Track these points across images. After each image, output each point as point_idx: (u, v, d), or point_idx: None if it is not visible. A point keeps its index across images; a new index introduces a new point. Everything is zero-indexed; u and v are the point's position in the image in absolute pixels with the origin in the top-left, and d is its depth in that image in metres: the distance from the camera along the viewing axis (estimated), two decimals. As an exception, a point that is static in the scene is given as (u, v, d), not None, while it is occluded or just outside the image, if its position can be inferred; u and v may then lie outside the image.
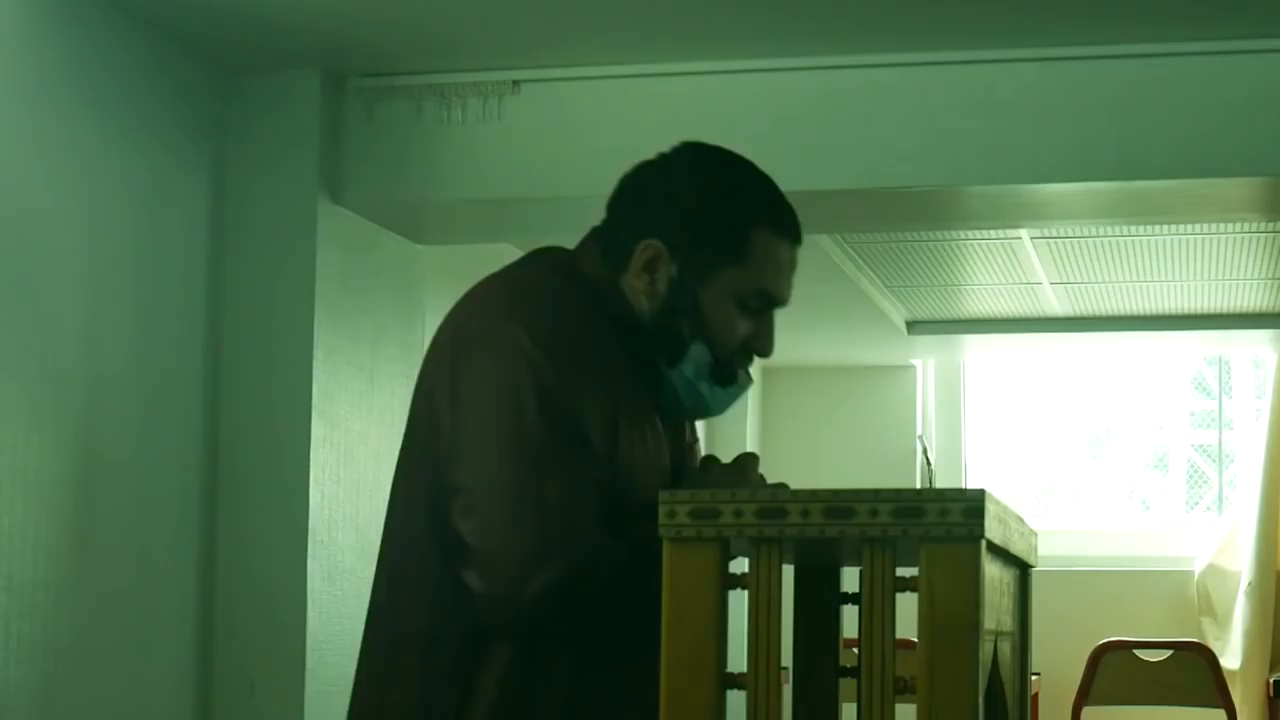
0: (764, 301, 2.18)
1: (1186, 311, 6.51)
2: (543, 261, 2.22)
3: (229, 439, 3.97)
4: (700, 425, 2.41)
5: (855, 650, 1.84)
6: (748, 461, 2.25)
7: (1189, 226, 5.09)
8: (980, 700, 1.77)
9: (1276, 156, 3.78)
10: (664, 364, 2.16)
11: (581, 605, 2.02)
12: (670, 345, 2.16)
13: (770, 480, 2.19)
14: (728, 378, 2.19)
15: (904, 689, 1.78)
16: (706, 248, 2.16)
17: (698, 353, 2.16)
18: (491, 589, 2.02)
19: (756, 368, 7.30)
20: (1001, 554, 1.99)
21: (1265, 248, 5.44)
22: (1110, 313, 6.58)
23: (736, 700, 1.83)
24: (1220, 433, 7.76)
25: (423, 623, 2.10)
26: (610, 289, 2.18)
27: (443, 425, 2.09)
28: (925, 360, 7.63)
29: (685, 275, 2.16)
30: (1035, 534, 2.31)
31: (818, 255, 5.27)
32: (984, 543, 1.78)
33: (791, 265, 2.21)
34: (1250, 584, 7.01)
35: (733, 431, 6.65)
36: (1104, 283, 6.01)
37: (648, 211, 2.19)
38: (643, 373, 2.18)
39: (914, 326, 6.79)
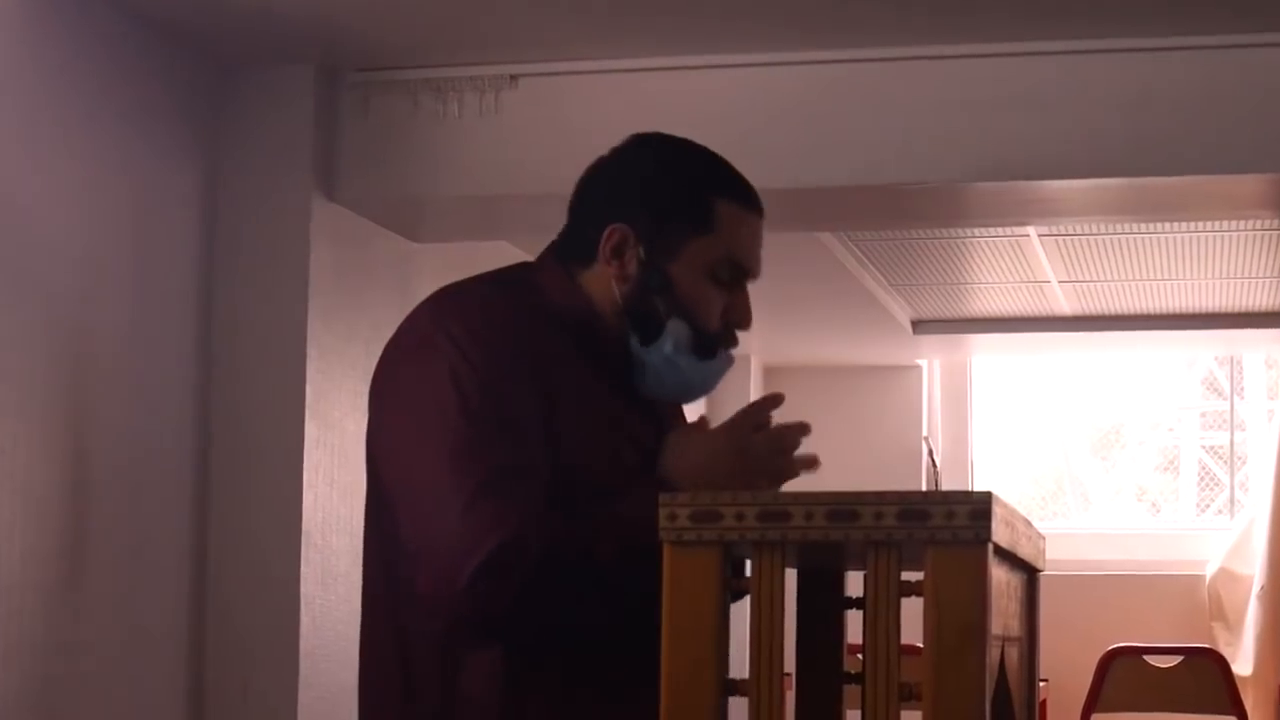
0: (735, 272, 2.19)
1: (1197, 310, 6.51)
2: (484, 275, 2.27)
3: (221, 439, 3.96)
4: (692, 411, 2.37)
5: (859, 656, 1.83)
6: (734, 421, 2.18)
7: (1200, 224, 5.09)
8: (987, 707, 1.75)
9: (1289, 152, 3.77)
10: (639, 344, 2.18)
11: (518, 586, 2.00)
12: (646, 325, 2.18)
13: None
14: (707, 351, 2.19)
15: (909, 696, 1.77)
16: (671, 222, 2.18)
17: (676, 328, 2.17)
18: (431, 587, 2.04)
19: (758, 368, 7.35)
20: (1009, 558, 1.98)
21: (1278, 245, 5.43)
22: (1119, 312, 6.59)
23: (739, 706, 1.81)
24: (1232, 434, 7.74)
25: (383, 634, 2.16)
26: (562, 289, 2.20)
27: (376, 449, 2.15)
28: (931, 360, 7.63)
29: (653, 253, 2.17)
30: (1043, 537, 2.31)
31: (821, 253, 5.25)
32: (991, 546, 1.77)
33: (758, 237, 2.23)
34: (1262, 588, 7.01)
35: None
36: (1113, 281, 6.01)
37: (608, 198, 2.21)
38: (606, 365, 2.18)
39: (919, 326, 6.80)
